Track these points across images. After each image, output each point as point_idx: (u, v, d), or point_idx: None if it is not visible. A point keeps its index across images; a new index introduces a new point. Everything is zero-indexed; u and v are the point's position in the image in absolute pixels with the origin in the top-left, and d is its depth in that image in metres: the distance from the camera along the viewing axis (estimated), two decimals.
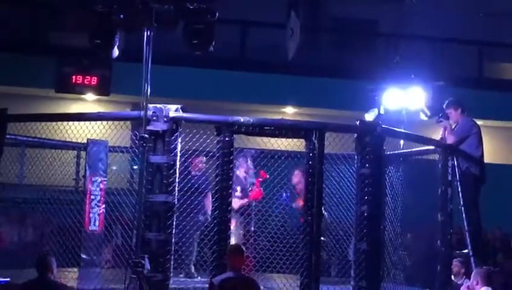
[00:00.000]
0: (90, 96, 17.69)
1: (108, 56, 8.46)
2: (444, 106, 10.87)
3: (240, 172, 10.82)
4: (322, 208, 9.15)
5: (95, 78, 17.22)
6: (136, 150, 9.85)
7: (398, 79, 12.39)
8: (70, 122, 9.79)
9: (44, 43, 17.29)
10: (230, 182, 8.89)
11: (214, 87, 17.44)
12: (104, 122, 9.78)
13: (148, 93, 8.17)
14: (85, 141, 11.10)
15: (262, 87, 17.52)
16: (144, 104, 8.20)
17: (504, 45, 19.34)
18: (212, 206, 8.97)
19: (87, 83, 17.23)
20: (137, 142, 9.69)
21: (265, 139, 9.20)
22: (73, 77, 17.13)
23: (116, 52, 8.51)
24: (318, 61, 18.54)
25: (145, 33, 8.17)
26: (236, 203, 10.18)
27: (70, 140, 10.81)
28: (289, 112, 18.51)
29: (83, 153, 12.40)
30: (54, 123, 9.79)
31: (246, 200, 10.78)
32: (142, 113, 8.27)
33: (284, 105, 18.36)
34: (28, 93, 17.15)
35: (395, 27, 18.88)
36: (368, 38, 19.64)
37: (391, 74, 13.13)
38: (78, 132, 9.96)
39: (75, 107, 17.61)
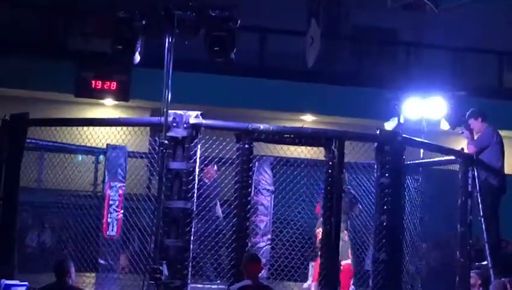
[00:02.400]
0: (109, 101, 17.73)
1: (130, 62, 8.46)
2: (466, 117, 10.82)
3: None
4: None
5: (114, 83, 17.26)
6: (156, 156, 9.94)
7: (418, 88, 12.36)
8: (89, 128, 9.85)
9: (64, 48, 17.32)
10: (250, 190, 8.89)
11: (232, 94, 17.43)
12: (124, 128, 9.84)
13: (169, 100, 8.17)
14: (103, 146, 11.08)
15: (281, 95, 17.50)
16: (165, 110, 8.20)
17: None
18: (231, 214, 8.96)
19: (107, 88, 17.27)
20: (156, 148, 9.75)
21: (278, 146, 9.22)
22: (93, 81, 17.18)
23: (137, 58, 8.51)
24: (338, 69, 18.51)
25: (167, 40, 8.17)
26: None
27: (88, 145, 10.81)
28: (308, 119, 18.47)
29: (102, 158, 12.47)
30: (71, 128, 9.85)
31: None
32: (163, 119, 8.27)
33: (303, 113, 18.32)
34: (47, 97, 17.19)
35: (415, 36, 18.83)
36: (388, 47, 19.59)
37: (411, 83, 13.11)
38: (98, 136, 10.01)
39: (94, 112, 17.63)
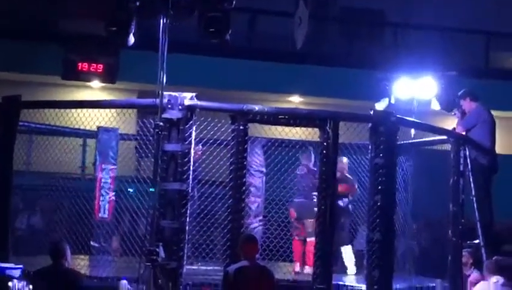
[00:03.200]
0: (96, 83, 17.65)
1: (125, 43, 8.41)
2: (458, 97, 10.88)
3: None
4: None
5: (101, 65, 17.12)
6: (144, 138, 9.92)
7: (408, 69, 12.38)
8: (76, 110, 9.81)
9: (51, 30, 17.23)
10: (244, 171, 8.90)
11: (220, 76, 17.38)
12: (113, 110, 9.81)
13: (164, 81, 8.14)
14: (91, 128, 11.00)
15: (269, 76, 17.47)
16: (160, 92, 8.18)
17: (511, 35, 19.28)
18: (226, 195, 8.97)
19: (93, 70, 17.14)
20: (145, 130, 9.75)
21: (272, 127, 9.22)
22: (80, 64, 17.04)
23: (131, 39, 8.47)
24: (326, 51, 18.50)
25: (161, 21, 8.14)
26: None
27: (77, 127, 10.77)
28: (296, 100, 18.46)
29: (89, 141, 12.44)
30: (58, 110, 9.80)
31: None
32: (158, 101, 8.25)
33: (291, 94, 18.31)
34: (33, 80, 17.10)
35: (403, 17, 18.83)
36: (376, 28, 19.61)
37: (400, 64, 13.12)
38: (86, 119, 9.99)
39: (81, 95, 17.57)
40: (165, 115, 8.50)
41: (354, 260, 10.72)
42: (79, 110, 9.89)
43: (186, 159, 8.69)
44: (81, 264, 10.24)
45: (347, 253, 10.79)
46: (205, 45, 15.86)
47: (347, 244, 10.80)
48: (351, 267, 10.70)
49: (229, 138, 8.91)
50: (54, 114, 9.91)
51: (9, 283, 8.12)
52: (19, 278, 8.21)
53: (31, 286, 7.99)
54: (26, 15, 16.92)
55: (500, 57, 19.64)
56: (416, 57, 13.69)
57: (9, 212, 9.36)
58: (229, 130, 8.90)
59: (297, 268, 10.39)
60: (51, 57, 16.53)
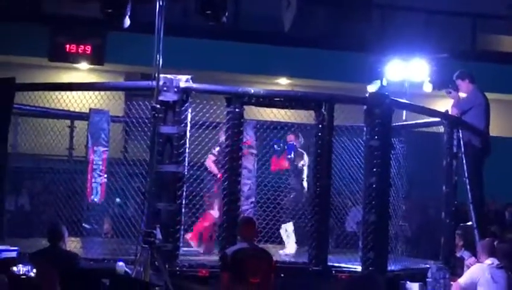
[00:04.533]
0: (83, 65, 17.58)
1: (121, 25, 8.37)
2: (454, 78, 10.91)
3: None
4: None
5: (89, 47, 17.12)
6: (134, 120, 9.90)
7: (397, 51, 12.43)
8: (65, 93, 9.77)
9: (37, 11, 17.11)
10: (240, 153, 8.91)
11: (208, 58, 17.33)
12: (102, 93, 9.76)
13: (160, 64, 8.11)
14: (80, 110, 10.96)
15: (255, 59, 17.45)
16: (156, 74, 8.16)
17: (497, 17, 19.36)
18: (222, 177, 8.99)
19: (81, 52, 17.13)
20: (134, 112, 9.73)
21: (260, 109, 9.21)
22: (67, 45, 17.01)
23: (127, 21, 8.43)
24: (313, 33, 18.48)
25: (158, 3, 8.10)
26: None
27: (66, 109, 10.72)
28: (283, 82, 18.47)
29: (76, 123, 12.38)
30: (45, 92, 9.76)
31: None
32: (153, 83, 8.23)
33: (278, 76, 18.31)
34: (21, 62, 16.97)
35: None
36: (363, 9, 19.57)
37: (389, 46, 13.16)
38: (76, 101, 9.97)
39: (68, 76, 17.45)
40: (160, 98, 8.48)
41: (294, 238, 10.59)
42: (68, 92, 9.85)
43: (182, 141, 8.68)
44: (72, 246, 10.20)
45: (288, 230, 10.66)
46: (192, 26, 15.97)
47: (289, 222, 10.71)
48: (291, 245, 10.58)
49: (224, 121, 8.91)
50: (39, 96, 9.87)
51: (14, 268, 8.10)
52: (24, 263, 8.18)
53: (35, 270, 7.98)
54: None
55: (488, 39, 19.71)
56: (405, 40, 13.73)
57: (4, 196, 9.31)
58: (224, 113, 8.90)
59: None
60: (36, 38, 16.45)
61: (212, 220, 10.13)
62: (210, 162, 10.16)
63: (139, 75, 16.86)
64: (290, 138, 10.80)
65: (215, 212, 10.04)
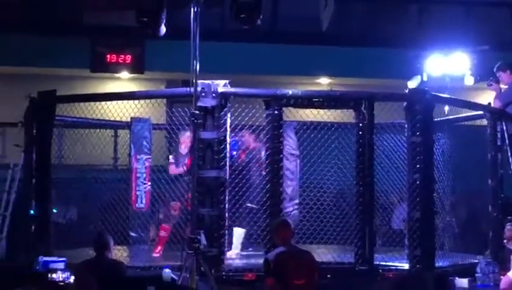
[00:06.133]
0: (124, 74, 17.70)
1: (156, 34, 8.41)
2: (495, 69, 10.78)
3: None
4: None
5: (129, 56, 17.22)
6: (174, 127, 9.95)
7: (436, 45, 12.30)
8: (105, 102, 9.86)
9: (77, 23, 17.27)
10: (281, 156, 8.90)
11: (245, 62, 17.32)
12: (142, 101, 9.84)
13: (198, 70, 8.13)
14: (121, 119, 11.03)
15: (294, 60, 17.39)
16: (194, 80, 8.18)
17: None
18: (264, 180, 8.98)
19: (121, 61, 17.23)
20: (174, 119, 9.76)
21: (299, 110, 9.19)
22: (108, 56, 17.13)
23: (163, 29, 8.47)
24: (352, 31, 18.37)
25: (192, 9, 8.13)
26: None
27: (107, 119, 10.81)
28: (323, 82, 18.39)
29: (120, 132, 12.48)
30: (88, 103, 9.85)
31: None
32: (191, 89, 8.26)
33: (318, 76, 18.23)
34: (64, 74, 17.16)
35: None
36: (401, 5, 19.41)
37: (429, 40, 13.03)
38: (116, 111, 10.05)
39: (110, 86, 17.59)
40: (199, 104, 8.51)
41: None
42: (108, 102, 9.93)
43: (223, 146, 8.71)
44: (118, 255, 10.28)
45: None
46: (228, 31, 15.98)
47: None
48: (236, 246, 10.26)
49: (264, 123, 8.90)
50: (85, 107, 9.98)
51: (53, 275, 8.21)
52: (62, 270, 8.29)
53: (73, 277, 8.07)
54: (49, 9, 16.95)
55: None
56: (444, 33, 13.60)
57: (50, 207, 9.42)
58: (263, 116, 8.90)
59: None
60: (78, 50, 16.60)
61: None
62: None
63: (179, 82, 16.92)
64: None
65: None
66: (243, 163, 10.08)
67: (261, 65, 17.36)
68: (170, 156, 10.52)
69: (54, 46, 16.60)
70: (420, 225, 8.78)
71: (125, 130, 11.85)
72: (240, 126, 9.34)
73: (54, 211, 9.50)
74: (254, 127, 9.61)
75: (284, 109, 8.93)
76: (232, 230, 9.87)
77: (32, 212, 9.45)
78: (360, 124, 8.81)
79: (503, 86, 10.77)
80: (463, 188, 10.83)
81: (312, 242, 10.10)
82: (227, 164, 8.86)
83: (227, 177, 8.93)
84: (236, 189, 9.32)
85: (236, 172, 9.59)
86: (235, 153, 10.32)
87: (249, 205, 9.75)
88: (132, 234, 11.31)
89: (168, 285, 7.62)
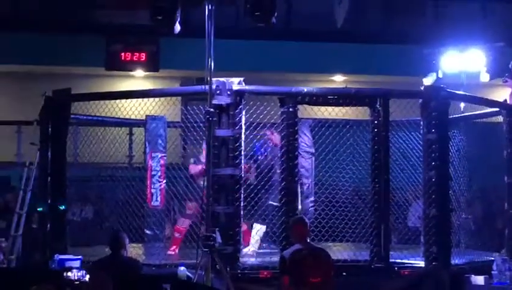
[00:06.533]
0: (139, 72, 17.72)
1: (171, 32, 8.41)
2: (510, 66, 10.74)
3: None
4: None
5: (144, 54, 17.23)
6: (189, 125, 9.95)
7: (452, 41, 12.25)
8: (120, 100, 9.88)
9: (91, 21, 17.32)
10: (296, 153, 8.89)
11: (260, 59, 17.29)
12: (156, 99, 9.85)
13: (212, 68, 8.13)
14: (136, 117, 11.05)
15: (309, 57, 17.35)
16: (209, 78, 8.18)
17: None
18: (279, 178, 8.97)
19: (136, 59, 17.25)
20: (189, 117, 9.76)
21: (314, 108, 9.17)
22: (122, 54, 17.15)
23: (178, 28, 8.46)
24: (367, 28, 18.32)
25: (207, 7, 8.13)
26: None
27: (122, 117, 10.83)
28: (338, 80, 18.35)
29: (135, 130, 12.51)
30: (104, 101, 9.87)
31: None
32: (206, 87, 8.26)
33: (333, 73, 18.20)
34: (80, 72, 17.20)
35: None
36: (416, 1, 19.35)
37: (444, 37, 12.97)
38: (131, 108, 10.07)
39: (125, 84, 17.58)
40: (214, 101, 8.52)
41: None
42: (123, 100, 9.95)
43: (238, 144, 8.70)
44: (133, 252, 10.30)
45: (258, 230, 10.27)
46: (243, 29, 15.98)
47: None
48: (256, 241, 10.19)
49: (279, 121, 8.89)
50: (100, 105, 9.99)
51: (69, 273, 8.21)
52: (78, 268, 8.29)
53: (88, 276, 8.07)
54: (63, 7, 16.99)
55: None
56: (459, 30, 13.54)
57: (66, 204, 9.45)
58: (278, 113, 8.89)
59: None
60: (93, 49, 16.64)
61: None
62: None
63: (194, 80, 16.90)
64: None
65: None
66: (271, 161, 10.11)
67: (275, 63, 17.33)
68: (191, 159, 10.47)
69: (69, 45, 16.64)
70: (436, 222, 8.76)
71: (140, 128, 11.85)
72: (261, 124, 9.34)
73: (62, 207, 9.44)
74: (276, 125, 9.55)
75: (299, 106, 8.93)
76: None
77: (45, 209, 9.47)
78: (375, 121, 8.78)
79: None
80: (479, 185, 10.77)
81: (328, 240, 10.06)
82: (253, 166, 8.85)
83: (254, 179, 8.92)
84: (259, 187, 9.34)
85: (266, 170, 9.64)
86: (260, 157, 10.37)
87: (271, 203, 9.73)
88: (147, 231, 11.33)
89: (184, 283, 7.61)
